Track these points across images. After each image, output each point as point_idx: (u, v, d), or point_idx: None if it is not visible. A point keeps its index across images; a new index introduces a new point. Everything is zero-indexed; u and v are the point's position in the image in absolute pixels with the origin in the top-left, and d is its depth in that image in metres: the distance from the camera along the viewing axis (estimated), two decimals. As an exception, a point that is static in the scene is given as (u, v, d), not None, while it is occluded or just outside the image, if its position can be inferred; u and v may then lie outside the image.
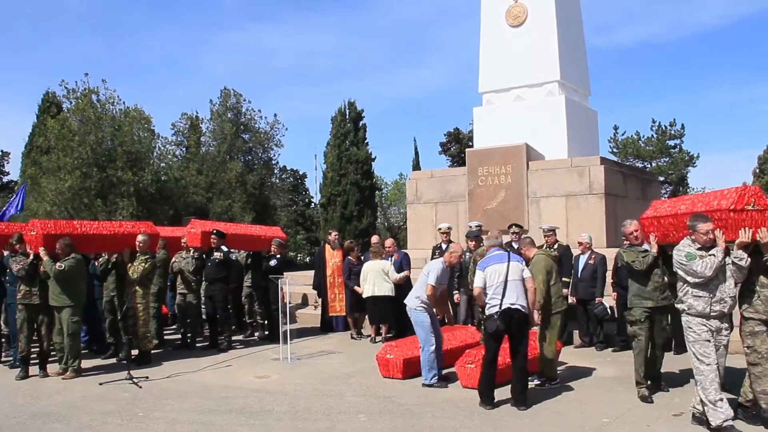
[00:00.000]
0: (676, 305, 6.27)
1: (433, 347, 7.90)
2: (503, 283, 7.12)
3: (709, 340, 5.92)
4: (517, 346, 7.13)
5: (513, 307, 7.03)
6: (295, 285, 9.93)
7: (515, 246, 10.57)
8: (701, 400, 5.90)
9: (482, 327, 7.64)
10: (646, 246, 7.26)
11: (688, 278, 5.96)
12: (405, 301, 8.33)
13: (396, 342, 9.01)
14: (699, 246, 5.93)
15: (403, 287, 11.04)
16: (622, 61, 71.38)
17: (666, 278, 7.19)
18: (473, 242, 10.50)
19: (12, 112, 64.93)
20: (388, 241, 11.87)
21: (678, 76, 69.01)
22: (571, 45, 16.04)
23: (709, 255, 5.85)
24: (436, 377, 7.89)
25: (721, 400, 5.78)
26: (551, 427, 6.17)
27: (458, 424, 6.33)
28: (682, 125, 39.82)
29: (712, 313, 5.91)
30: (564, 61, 15.43)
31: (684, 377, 7.99)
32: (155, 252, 10.41)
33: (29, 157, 28.60)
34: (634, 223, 7.47)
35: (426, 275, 8.13)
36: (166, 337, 11.50)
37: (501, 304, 7.03)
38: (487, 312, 7.19)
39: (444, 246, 11.03)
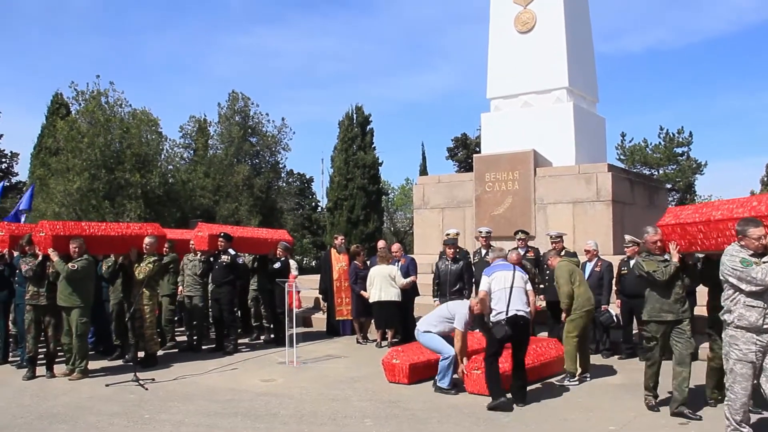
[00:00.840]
0: (721, 317, 5.72)
1: (450, 355, 7.85)
2: (509, 289, 7.33)
3: (753, 362, 5.45)
4: (519, 350, 7.38)
5: (519, 313, 7.27)
6: (301, 289, 9.94)
7: (521, 252, 10.60)
8: (726, 417, 5.62)
9: (486, 330, 7.67)
10: (665, 255, 6.93)
11: (743, 286, 5.44)
12: (417, 325, 8.30)
13: (402, 347, 9.01)
14: (751, 252, 5.49)
15: (409, 292, 11.08)
16: (630, 67, 71.32)
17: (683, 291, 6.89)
18: (451, 250, 10.61)
19: (21, 113, 65.29)
20: (395, 246, 11.88)
21: (686, 83, 68.86)
22: (579, 52, 16.05)
23: (763, 262, 5.41)
24: (450, 383, 7.85)
25: (746, 424, 5.54)
26: (557, 434, 6.17)
27: (464, 430, 6.33)
28: (690, 133, 39.77)
29: (764, 326, 5.39)
30: (572, 67, 15.43)
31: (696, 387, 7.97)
32: (162, 253, 10.48)
33: (38, 158, 28.73)
34: (658, 231, 7.04)
35: (451, 316, 8.06)
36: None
37: (507, 311, 7.20)
38: (494, 318, 7.33)
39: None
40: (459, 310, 8.10)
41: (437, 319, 8.15)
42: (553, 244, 10.36)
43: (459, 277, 10.49)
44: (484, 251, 10.87)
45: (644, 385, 7.05)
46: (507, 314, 7.21)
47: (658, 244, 6.96)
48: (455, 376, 7.93)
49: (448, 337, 8.10)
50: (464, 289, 10.42)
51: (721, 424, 5.70)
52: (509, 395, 7.26)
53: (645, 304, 6.95)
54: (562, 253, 10.31)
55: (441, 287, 10.57)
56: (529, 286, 7.61)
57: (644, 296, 6.97)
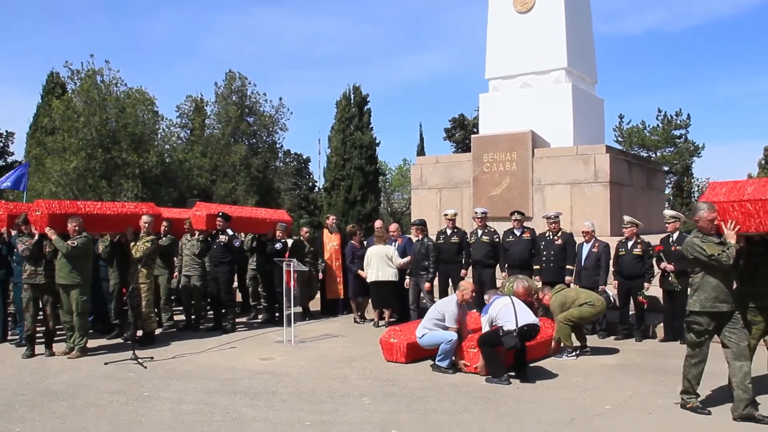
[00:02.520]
0: None
1: (453, 338, 7.87)
2: (511, 305, 7.63)
3: None
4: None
5: (531, 323, 7.57)
6: (300, 269, 9.98)
7: (516, 233, 10.67)
8: None
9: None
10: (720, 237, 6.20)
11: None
12: (416, 333, 8.27)
13: (399, 326, 9.06)
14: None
15: (407, 272, 11.09)
16: (629, 49, 71.12)
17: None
18: (419, 231, 11.09)
19: (17, 92, 65.00)
20: (393, 227, 11.89)
21: (685, 65, 68.76)
22: (578, 32, 15.96)
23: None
24: (449, 364, 7.92)
25: None
26: (554, 413, 6.21)
27: (461, 408, 6.38)
28: (688, 115, 39.77)
29: None
30: (571, 48, 15.35)
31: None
32: (159, 232, 10.48)
33: (34, 137, 28.64)
34: (714, 208, 6.13)
35: (441, 316, 8.08)
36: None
37: (517, 322, 7.41)
38: (506, 328, 7.44)
39: (449, 231, 11.06)
40: (446, 308, 8.11)
41: (430, 322, 8.17)
42: (552, 225, 10.39)
43: (424, 256, 10.76)
44: (480, 232, 10.92)
45: (684, 387, 6.31)
46: (517, 325, 7.39)
47: (716, 222, 6.11)
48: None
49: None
50: (429, 268, 10.73)
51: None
52: (511, 372, 7.44)
53: (694, 292, 6.17)
54: (559, 233, 10.34)
55: (413, 265, 10.94)
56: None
57: (692, 283, 6.21)
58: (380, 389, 7.10)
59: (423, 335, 8.13)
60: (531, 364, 7.88)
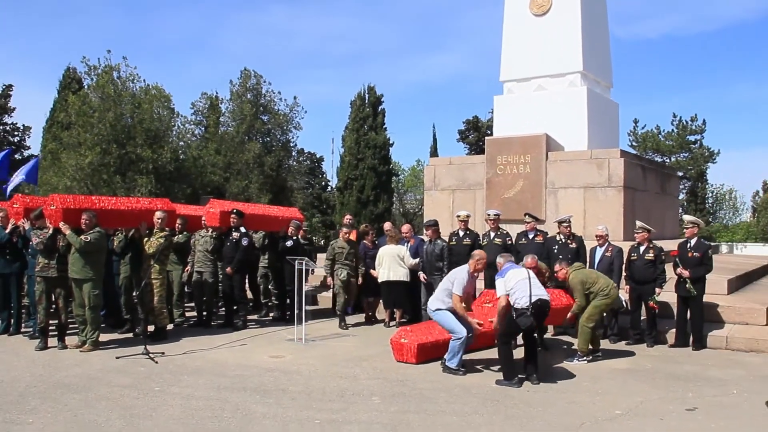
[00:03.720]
0: None
1: (462, 335, 7.87)
2: (527, 279, 7.52)
3: None
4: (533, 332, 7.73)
5: (543, 298, 7.51)
6: (312, 267, 10.01)
7: (530, 236, 10.65)
8: None
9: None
10: None
11: None
12: (428, 305, 8.29)
13: (410, 327, 9.06)
14: None
15: (418, 273, 11.07)
16: (645, 53, 70.78)
17: None
18: (432, 231, 10.92)
19: (34, 87, 65.49)
20: (405, 227, 11.87)
21: (701, 70, 68.38)
22: (594, 36, 15.92)
23: None
24: (458, 363, 7.88)
25: None
26: (564, 417, 6.20)
27: (471, 410, 6.37)
28: (704, 121, 39.58)
29: None
30: (587, 51, 15.31)
31: (704, 374, 8.00)
32: (173, 228, 10.54)
33: (50, 132, 28.86)
34: None
35: (451, 283, 8.12)
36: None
37: (531, 297, 7.36)
38: (518, 306, 7.40)
39: (461, 233, 11.04)
40: (457, 275, 8.15)
41: (443, 293, 8.16)
42: (565, 228, 10.35)
43: (438, 257, 10.67)
44: (492, 234, 10.90)
45: None
46: (531, 300, 7.35)
47: None
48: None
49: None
50: (443, 269, 10.52)
51: None
52: (521, 376, 7.43)
53: None
54: (570, 237, 10.32)
55: (424, 266, 10.86)
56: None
57: None
58: (390, 389, 7.11)
59: (437, 309, 8.10)
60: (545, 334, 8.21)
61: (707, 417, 6.20)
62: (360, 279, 11.39)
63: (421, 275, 10.86)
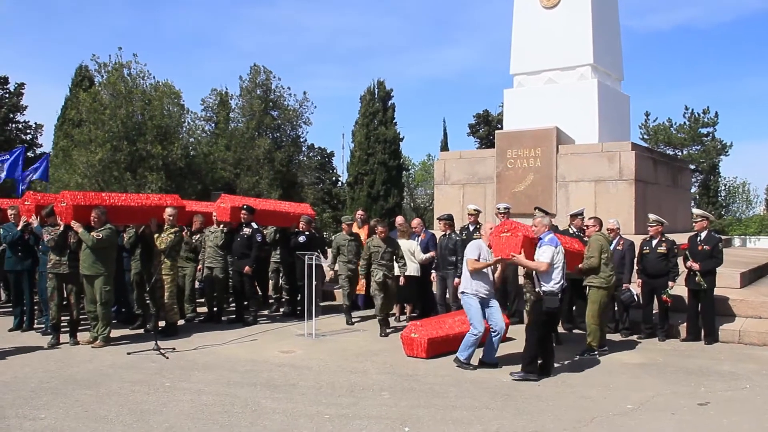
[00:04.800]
0: None
1: (478, 333, 7.75)
2: (563, 262, 7.49)
3: None
4: (555, 323, 7.97)
5: (564, 284, 7.56)
6: (323, 262, 10.01)
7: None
8: None
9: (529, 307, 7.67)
10: None
11: None
12: (460, 288, 8.11)
13: (421, 321, 9.03)
14: None
15: (429, 268, 11.05)
16: (657, 45, 70.28)
17: None
18: (446, 225, 10.78)
19: (46, 85, 65.84)
20: (416, 221, 11.83)
21: (714, 62, 67.86)
22: (605, 28, 15.81)
23: None
24: (468, 357, 7.81)
25: None
26: (574, 411, 6.17)
27: (481, 405, 6.35)
28: (716, 113, 39.32)
29: None
30: (597, 44, 15.22)
31: (716, 368, 7.95)
32: (183, 225, 10.58)
33: (62, 129, 28.95)
34: None
35: (477, 255, 7.93)
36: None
37: (563, 283, 7.44)
38: (549, 288, 7.30)
39: (471, 227, 11.01)
40: (483, 246, 7.96)
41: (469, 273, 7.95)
42: (581, 222, 10.28)
43: (452, 251, 10.54)
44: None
45: None
46: (562, 286, 7.39)
47: None
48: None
49: (489, 304, 7.95)
50: (457, 263, 10.35)
51: None
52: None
53: None
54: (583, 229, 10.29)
55: (439, 260, 10.80)
56: None
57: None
58: (400, 384, 7.10)
59: (463, 292, 7.95)
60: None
61: (719, 412, 6.16)
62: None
63: (433, 274, 10.80)
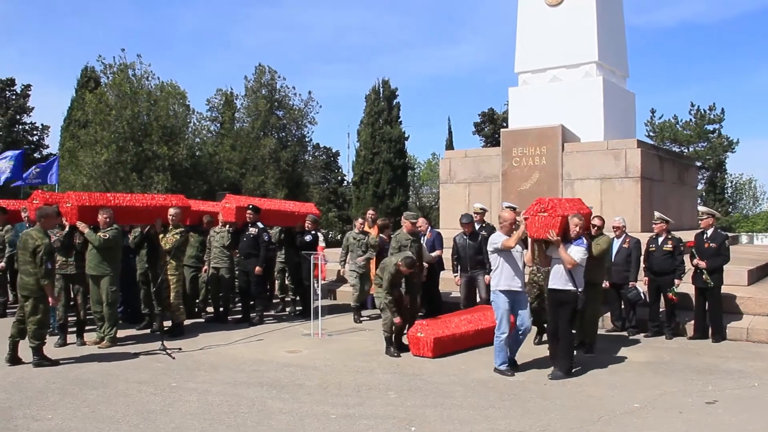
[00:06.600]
0: None
1: (503, 334, 7.53)
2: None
3: None
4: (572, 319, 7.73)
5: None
6: (328, 261, 10.00)
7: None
8: None
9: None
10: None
11: None
12: (492, 285, 7.83)
13: (427, 321, 9.01)
14: None
15: (435, 267, 11.02)
16: (662, 41, 70.05)
17: None
18: (466, 227, 10.40)
19: (52, 86, 66.05)
20: (420, 220, 11.78)
21: (720, 58, 67.61)
22: (609, 25, 15.77)
23: None
24: (505, 363, 7.59)
25: None
26: (581, 410, 6.15)
27: (488, 404, 6.34)
28: (722, 110, 39.19)
29: None
30: (602, 41, 15.17)
31: (723, 366, 7.92)
32: (187, 224, 10.59)
33: (68, 130, 29.08)
34: None
35: (493, 245, 7.67)
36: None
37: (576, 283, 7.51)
38: (565, 287, 7.44)
39: (477, 226, 10.97)
40: (500, 237, 7.65)
41: (500, 268, 7.64)
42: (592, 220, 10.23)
43: (478, 251, 10.26)
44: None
45: None
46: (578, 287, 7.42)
47: None
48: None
49: (519, 301, 7.72)
50: (486, 262, 9.98)
51: None
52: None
53: None
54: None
55: (461, 262, 10.46)
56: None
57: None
58: (406, 383, 7.09)
59: (495, 288, 7.64)
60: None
61: (727, 410, 6.13)
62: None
63: (456, 277, 10.59)
